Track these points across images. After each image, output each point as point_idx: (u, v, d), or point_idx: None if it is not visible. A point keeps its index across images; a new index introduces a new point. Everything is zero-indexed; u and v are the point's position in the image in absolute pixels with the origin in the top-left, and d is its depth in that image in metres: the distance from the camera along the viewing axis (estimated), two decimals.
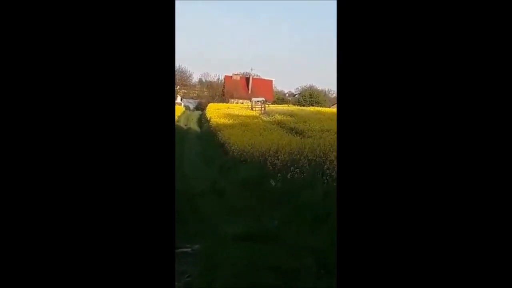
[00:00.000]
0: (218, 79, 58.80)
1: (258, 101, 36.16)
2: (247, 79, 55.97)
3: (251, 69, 59.75)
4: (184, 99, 52.24)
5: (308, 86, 60.94)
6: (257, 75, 59.15)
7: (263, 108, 33.07)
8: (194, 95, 56.66)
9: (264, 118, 25.05)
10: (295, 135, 16.63)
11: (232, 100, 48.95)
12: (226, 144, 17.06)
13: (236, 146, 15.24)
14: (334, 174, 7.22)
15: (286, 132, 18.21)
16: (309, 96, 54.81)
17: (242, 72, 58.24)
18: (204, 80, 61.19)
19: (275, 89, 60.82)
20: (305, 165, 9.20)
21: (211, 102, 44.08)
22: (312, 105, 50.93)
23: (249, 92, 53.01)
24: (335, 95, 70.58)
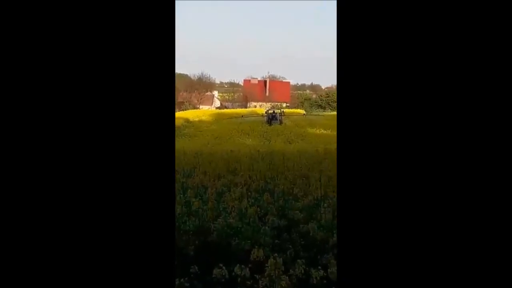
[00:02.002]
0: (237, 82, 62.42)
1: (273, 111, 33.71)
2: (265, 82, 58.77)
3: (268, 72, 62.87)
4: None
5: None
6: (272, 76, 62.28)
7: (280, 119, 31.69)
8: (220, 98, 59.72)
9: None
10: None
11: (254, 104, 51.77)
12: None
13: None
14: None
15: None
16: (326, 96, 57.10)
17: (262, 76, 61.36)
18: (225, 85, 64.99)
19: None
20: None
21: (234, 107, 47.27)
22: (329, 104, 53.72)
23: (266, 94, 56.11)
24: None
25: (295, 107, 49.50)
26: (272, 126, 30.13)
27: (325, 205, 4.36)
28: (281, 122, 31.11)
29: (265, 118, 32.18)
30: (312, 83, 77.72)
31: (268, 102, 52.66)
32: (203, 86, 54.71)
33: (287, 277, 2.43)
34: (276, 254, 2.45)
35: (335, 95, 56.28)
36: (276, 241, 3.64)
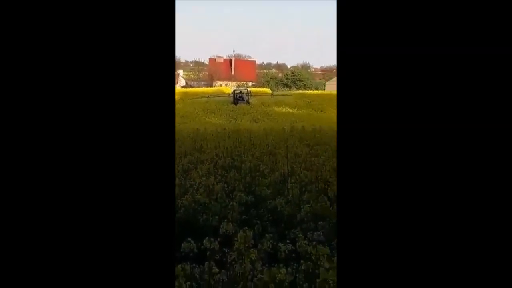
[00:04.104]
0: (203, 61, 62.15)
1: (239, 91, 33.25)
2: (231, 61, 58.57)
3: (233, 51, 62.81)
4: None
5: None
6: (238, 54, 62.28)
7: (247, 99, 31.48)
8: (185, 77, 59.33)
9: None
10: None
11: (220, 83, 51.56)
12: None
13: None
14: None
15: None
16: (292, 74, 57.31)
17: (227, 54, 61.24)
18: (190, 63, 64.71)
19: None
20: None
21: (200, 86, 47.04)
22: (295, 83, 53.99)
23: (232, 73, 55.99)
24: (314, 66, 73.80)
25: (261, 86, 49.45)
26: (238, 105, 30.00)
27: (292, 181, 4.41)
28: (248, 102, 30.96)
29: (231, 98, 31.97)
30: (277, 62, 77.97)
31: (234, 81, 52.58)
32: None
33: (256, 251, 2.44)
34: (246, 228, 2.45)
35: (301, 74, 56.94)
36: (244, 216, 3.66)
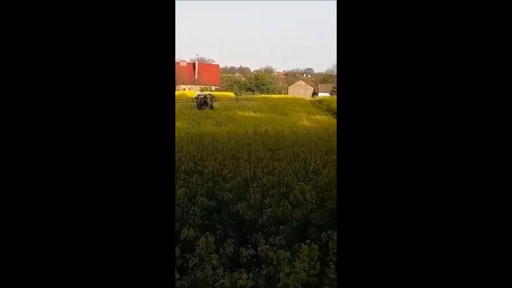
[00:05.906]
0: None
1: (204, 96, 32.33)
2: (194, 65, 58.37)
3: (197, 55, 62.63)
4: None
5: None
6: (201, 58, 62.19)
7: (210, 104, 31.07)
8: None
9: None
10: None
11: (183, 87, 51.27)
12: None
13: None
14: None
15: None
16: (255, 78, 57.54)
17: (190, 58, 61.05)
18: None
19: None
20: None
21: None
22: (258, 87, 54.22)
23: (196, 77, 55.83)
24: (277, 70, 74.34)
25: (224, 90, 49.44)
26: (202, 110, 29.91)
27: (254, 185, 4.42)
28: (211, 107, 30.85)
29: (195, 103, 31.80)
30: (241, 66, 78.19)
31: (198, 85, 52.35)
32: None
33: (217, 256, 2.44)
34: (208, 233, 2.44)
35: (264, 78, 57.19)
36: (206, 221, 3.65)
